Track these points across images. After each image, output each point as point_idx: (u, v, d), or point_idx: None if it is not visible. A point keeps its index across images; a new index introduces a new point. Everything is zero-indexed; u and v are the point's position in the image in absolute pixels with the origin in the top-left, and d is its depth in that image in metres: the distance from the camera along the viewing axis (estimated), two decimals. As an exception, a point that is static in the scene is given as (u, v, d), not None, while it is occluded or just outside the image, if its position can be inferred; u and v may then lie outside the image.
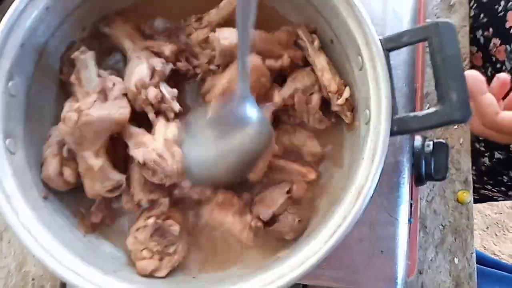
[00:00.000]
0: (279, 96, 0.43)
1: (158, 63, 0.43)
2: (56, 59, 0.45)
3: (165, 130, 0.42)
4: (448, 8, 0.73)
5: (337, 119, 0.47)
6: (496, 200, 0.83)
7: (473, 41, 0.69)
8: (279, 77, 0.46)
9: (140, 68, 0.42)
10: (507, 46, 0.61)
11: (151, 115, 0.43)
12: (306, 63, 0.46)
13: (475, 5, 0.69)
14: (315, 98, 0.43)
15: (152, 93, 0.42)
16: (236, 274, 0.42)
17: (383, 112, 0.38)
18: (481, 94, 0.39)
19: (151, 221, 0.41)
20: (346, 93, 0.42)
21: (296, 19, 0.48)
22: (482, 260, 0.91)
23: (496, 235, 1.65)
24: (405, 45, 0.39)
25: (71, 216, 0.43)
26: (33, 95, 0.43)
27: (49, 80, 0.45)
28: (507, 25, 0.62)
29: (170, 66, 0.44)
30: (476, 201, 0.85)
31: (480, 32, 0.67)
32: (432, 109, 0.36)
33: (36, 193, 0.40)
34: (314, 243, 0.36)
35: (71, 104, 0.40)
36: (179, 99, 0.45)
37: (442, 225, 0.68)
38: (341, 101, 0.42)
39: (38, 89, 0.43)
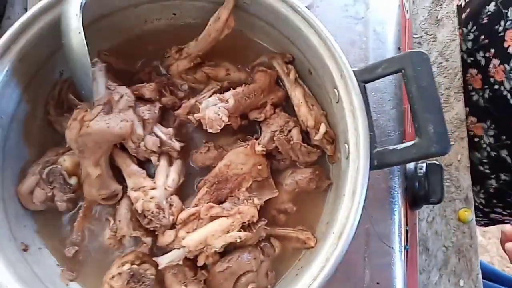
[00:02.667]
0: (259, 146, 0.42)
1: (145, 111, 0.43)
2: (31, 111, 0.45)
3: (166, 176, 0.43)
4: (436, 23, 0.72)
5: (322, 151, 0.46)
6: (507, 223, 0.80)
7: (474, 63, 0.69)
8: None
9: (126, 125, 0.42)
10: (506, 65, 0.60)
11: (154, 160, 0.44)
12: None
13: (474, 27, 0.68)
14: (295, 134, 0.43)
15: (149, 142, 0.43)
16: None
17: (361, 146, 0.37)
18: None
19: (126, 267, 0.40)
20: (322, 129, 0.41)
21: (275, 49, 0.48)
22: (491, 275, 0.87)
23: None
24: (381, 77, 0.38)
25: (53, 265, 0.42)
26: (9, 148, 0.42)
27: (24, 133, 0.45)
28: (506, 45, 0.61)
29: (157, 106, 0.45)
30: (487, 225, 0.82)
31: (481, 53, 0.67)
32: (410, 143, 0.35)
33: (14, 247, 0.40)
34: (300, 285, 0.35)
35: (78, 112, 0.41)
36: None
37: (444, 246, 0.66)
38: (318, 136, 0.42)
39: (15, 142, 0.43)
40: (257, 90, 0.44)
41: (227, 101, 0.42)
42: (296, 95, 0.43)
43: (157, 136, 0.44)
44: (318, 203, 0.45)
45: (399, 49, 0.56)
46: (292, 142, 0.43)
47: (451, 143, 0.68)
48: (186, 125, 0.47)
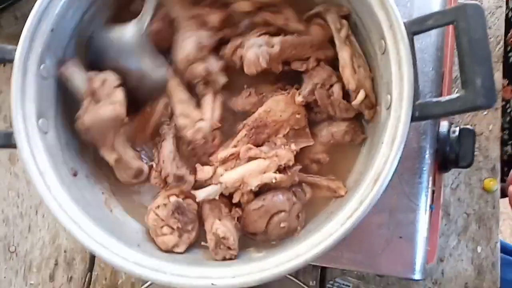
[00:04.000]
0: (300, 96, 0.43)
1: (204, 37, 0.44)
2: (85, 42, 0.47)
3: (212, 110, 0.45)
4: (484, -13, 0.69)
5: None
6: None
7: (506, 73, 0.67)
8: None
9: (186, 43, 0.44)
10: None
11: (199, 89, 0.45)
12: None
13: None
14: (336, 90, 0.43)
15: (200, 67, 0.44)
16: (253, 254, 0.43)
17: (405, 97, 0.37)
18: None
19: (173, 199, 0.43)
20: (360, 96, 0.42)
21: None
22: (508, 250, 0.88)
23: (528, 226, 1.60)
24: (431, 29, 0.38)
25: (99, 192, 0.45)
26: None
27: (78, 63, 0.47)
28: None
29: (218, 36, 0.45)
30: None
31: None
32: (455, 95, 0.36)
33: (66, 171, 0.42)
34: (331, 225, 0.37)
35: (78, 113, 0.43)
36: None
37: (466, 213, 0.67)
38: (355, 102, 0.42)
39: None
40: (307, 44, 0.44)
41: (272, 46, 0.42)
42: (343, 55, 0.43)
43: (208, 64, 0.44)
44: (351, 156, 0.46)
45: (444, 4, 0.55)
46: (332, 97, 0.43)
47: (484, 112, 0.67)
48: (230, 66, 0.47)
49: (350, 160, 0.45)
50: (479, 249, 0.65)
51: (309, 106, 0.45)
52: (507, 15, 0.67)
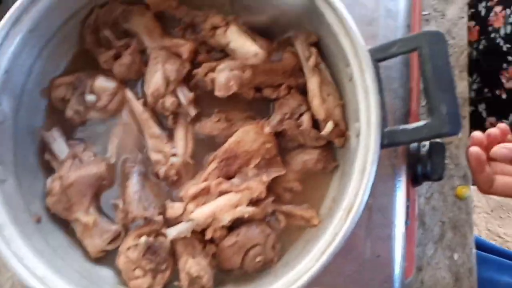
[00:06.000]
0: (268, 127, 0.42)
1: (172, 71, 0.44)
2: (43, 79, 0.45)
3: (185, 144, 0.44)
4: (445, 0, 0.71)
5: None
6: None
7: (473, 15, 0.69)
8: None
9: (155, 77, 0.44)
10: (507, 10, 0.61)
11: (170, 121, 0.45)
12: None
13: None
14: (305, 120, 0.43)
15: (168, 101, 0.44)
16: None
17: (373, 125, 0.37)
18: (480, 173, 0.43)
19: (143, 239, 0.41)
20: (328, 128, 0.42)
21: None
22: (484, 247, 0.91)
23: (501, 217, 1.66)
24: (395, 55, 0.38)
25: (65, 236, 0.43)
26: (21, 117, 0.42)
27: (37, 99, 0.45)
28: None
29: (186, 68, 0.45)
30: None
31: (483, 3, 0.67)
32: (422, 122, 0.36)
33: (28, 219, 0.40)
34: (306, 261, 0.36)
35: (52, 177, 0.43)
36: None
37: (441, 221, 0.68)
38: (324, 133, 0.42)
39: (26, 110, 0.43)
40: (279, 70, 0.44)
41: (244, 71, 0.42)
42: (311, 84, 0.42)
43: (177, 97, 0.44)
44: (324, 184, 0.46)
45: (408, 26, 0.55)
46: (301, 127, 0.43)
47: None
48: (200, 87, 0.46)
49: (323, 187, 0.45)
50: (455, 256, 0.66)
51: (280, 134, 0.45)
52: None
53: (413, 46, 0.36)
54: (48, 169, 0.45)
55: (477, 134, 0.42)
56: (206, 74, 0.44)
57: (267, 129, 0.41)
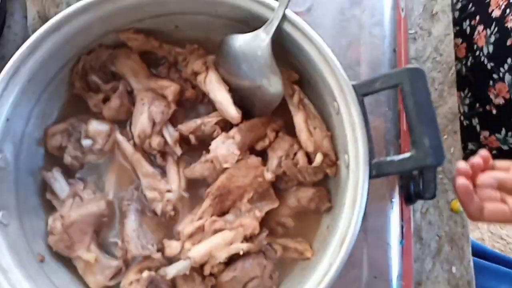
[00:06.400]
0: (268, 172, 0.44)
1: (158, 113, 0.45)
2: (42, 122, 0.47)
3: (178, 179, 0.46)
4: (431, 18, 0.72)
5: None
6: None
7: (459, 33, 0.71)
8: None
9: (141, 119, 0.45)
10: (488, 30, 0.63)
11: (159, 160, 0.47)
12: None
13: None
14: (300, 157, 0.44)
15: (154, 142, 0.45)
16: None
17: (361, 158, 0.38)
18: (470, 202, 0.43)
19: (145, 274, 0.42)
20: (318, 159, 0.43)
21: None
22: (481, 253, 0.91)
23: (502, 219, 1.66)
24: (379, 90, 0.39)
25: (69, 274, 0.45)
26: (22, 161, 0.44)
27: (36, 143, 0.47)
28: (490, 10, 0.63)
29: (172, 109, 0.46)
30: None
31: (467, 22, 0.69)
32: (407, 155, 0.37)
33: (32, 259, 0.42)
34: (304, 292, 0.38)
35: (53, 217, 0.44)
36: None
37: (437, 235, 0.69)
38: (315, 164, 0.43)
39: (26, 153, 0.45)
40: (258, 123, 0.45)
41: (233, 137, 0.44)
42: (297, 120, 0.44)
43: (163, 137, 0.46)
44: (316, 221, 0.47)
45: (394, 50, 0.57)
46: (298, 165, 0.44)
47: (444, 136, 0.70)
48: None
49: (315, 225, 0.46)
50: (453, 269, 0.67)
51: (278, 176, 0.46)
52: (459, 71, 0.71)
53: (395, 82, 0.38)
54: (50, 208, 0.47)
55: (461, 165, 0.43)
56: (191, 133, 0.46)
57: (269, 175, 0.43)
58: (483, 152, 0.44)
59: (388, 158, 0.39)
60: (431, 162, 0.36)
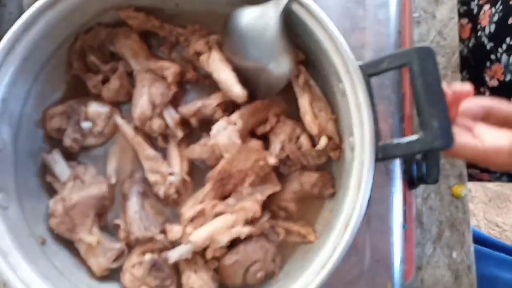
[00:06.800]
0: (272, 157, 0.43)
1: (158, 95, 0.44)
2: (41, 102, 0.45)
3: (180, 161, 0.45)
4: (435, 1, 0.71)
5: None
6: (484, 180, 0.83)
7: (466, 13, 0.69)
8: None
9: (141, 101, 0.44)
10: (493, 8, 0.62)
11: (160, 142, 0.46)
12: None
13: None
14: (304, 140, 0.43)
15: (155, 124, 0.44)
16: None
17: (367, 141, 0.38)
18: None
19: (148, 256, 0.42)
20: (322, 142, 0.42)
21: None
22: (482, 240, 0.92)
23: (499, 207, 1.67)
24: (386, 71, 0.38)
25: (70, 256, 0.44)
26: (21, 143, 0.43)
27: (35, 125, 0.46)
28: None
29: (172, 91, 0.45)
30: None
31: (476, 1, 0.68)
32: (414, 137, 0.36)
33: (33, 242, 0.41)
34: (306, 275, 0.37)
35: (54, 199, 0.43)
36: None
37: (438, 220, 0.69)
38: (319, 147, 0.42)
39: (25, 135, 0.44)
40: (260, 106, 0.44)
41: (235, 123, 0.43)
42: (303, 102, 0.43)
43: (164, 119, 0.45)
44: (319, 206, 0.46)
45: (399, 32, 0.56)
46: (302, 149, 0.43)
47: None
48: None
49: (318, 210, 0.46)
50: (454, 254, 0.68)
51: (281, 160, 0.45)
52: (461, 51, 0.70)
53: (403, 62, 0.37)
54: (50, 190, 0.46)
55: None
56: (191, 116, 0.45)
57: (271, 160, 0.42)
58: (467, 86, 0.40)
59: (395, 141, 0.38)
60: (440, 144, 0.35)
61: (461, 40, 0.71)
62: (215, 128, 0.43)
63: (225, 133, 0.42)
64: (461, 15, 0.70)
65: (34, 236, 0.42)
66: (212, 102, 0.44)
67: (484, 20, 0.65)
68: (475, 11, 0.68)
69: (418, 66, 0.36)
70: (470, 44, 0.69)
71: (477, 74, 0.67)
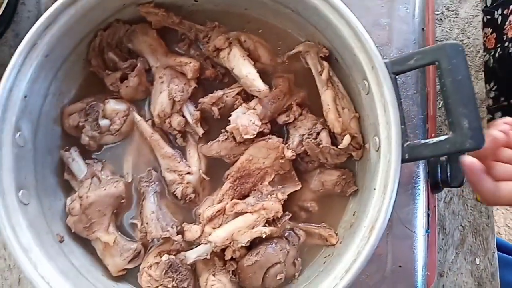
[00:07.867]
0: (289, 150, 0.42)
1: (178, 91, 0.44)
2: (59, 100, 0.45)
3: (198, 161, 0.44)
4: (459, -2, 0.69)
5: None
6: None
7: (490, 22, 0.67)
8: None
9: (161, 98, 0.44)
10: None
11: (179, 140, 0.45)
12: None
13: None
14: (324, 137, 0.42)
15: (175, 121, 0.44)
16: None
17: (393, 140, 0.36)
18: (481, 182, 0.38)
19: (164, 257, 0.41)
20: (346, 141, 0.41)
21: (300, 37, 0.46)
22: (504, 247, 0.89)
23: (520, 213, 1.62)
24: (412, 69, 0.37)
25: (87, 255, 0.44)
26: (39, 140, 0.43)
27: (53, 122, 0.45)
28: None
29: (192, 87, 0.45)
30: None
31: (499, 11, 0.65)
32: (443, 137, 0.35)
33: (52, 240, 0.41)
34: (329, 280, 0.36)
35: (71, 197, 0.43)
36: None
37: (461, 225, 0.66)
38: (342, 146, 0.41)
39: (44, 132, 0.44)
40: (279, 94, 0.43)
41: (254, 108, 0.42)
42: (326, 98, 0.42)
43: (183, 116, 0.44)
44: (341, 206, 0.45)
45: (423, 29, 0.54)
46: (321, 146, 0.42)
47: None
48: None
49: (340, 210, 0.44)
50: (477, 261, 0.65)
51: (299, 155, 0.44)
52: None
53: (432, 60, 0.35)
54: (68, 188, 0.46)
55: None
56: (212, 104, 0.44)
57: (288, 153, 0.41)
58: (507, 118, 0.39)
59: (422, 141, 0.36)
60: (470, 145, 0.33)
61: (486, 49, 0.69)
62: (235, 113, 0.42)
63: (244, 116, 0.41)
64: (484, 25, 0.68)
65: (52, 234, 0.41)
66: (233, 90, 0.44)
67: (510, 31, 0.62)
68: (499, 20, 0.66)
69: (447, 63, 0.34)
70: (497, 55, 0.66)
71: (506, 85, 0.65)
